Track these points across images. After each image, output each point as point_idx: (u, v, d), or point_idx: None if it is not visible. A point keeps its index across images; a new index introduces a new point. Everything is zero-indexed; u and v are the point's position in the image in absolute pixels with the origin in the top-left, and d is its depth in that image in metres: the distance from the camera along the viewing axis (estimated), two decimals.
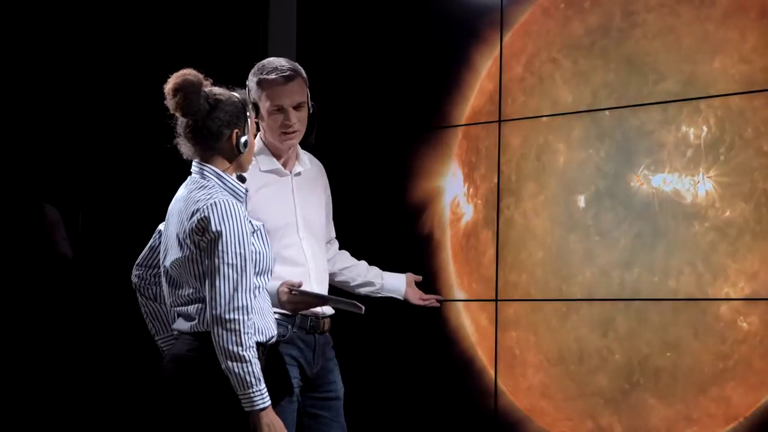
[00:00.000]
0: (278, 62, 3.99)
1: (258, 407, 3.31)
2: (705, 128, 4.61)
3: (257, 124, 3.94)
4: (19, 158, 5.56)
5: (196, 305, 3.38)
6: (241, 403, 3.32)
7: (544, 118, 5.05)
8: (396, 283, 4.43)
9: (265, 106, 3.95)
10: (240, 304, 3.30)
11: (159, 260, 3.60)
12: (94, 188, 5.70)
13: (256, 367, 3.31)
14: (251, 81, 3.98)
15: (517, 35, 5.18)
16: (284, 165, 4.04)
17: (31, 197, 5.59)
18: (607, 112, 4.87)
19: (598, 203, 4.88)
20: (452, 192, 5.35)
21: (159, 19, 5.76)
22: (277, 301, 3.82)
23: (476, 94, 5.29)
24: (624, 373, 4.77)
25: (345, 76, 5.60)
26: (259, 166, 3.96)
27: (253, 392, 3.30)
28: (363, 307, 3.83)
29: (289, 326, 3.92)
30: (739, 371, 4.50)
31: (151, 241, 3.66)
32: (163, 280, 3.50)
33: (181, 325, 3.44)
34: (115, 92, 5.69)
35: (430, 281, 5.41)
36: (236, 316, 3.28)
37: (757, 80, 4.49)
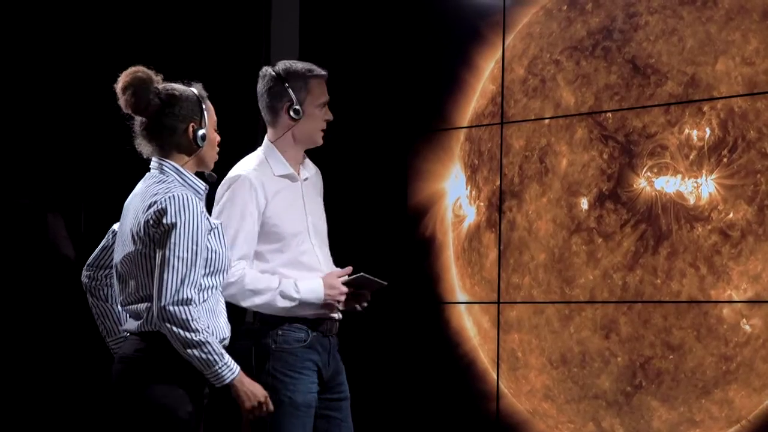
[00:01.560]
0: (305, 62, 4.02)
1: (228, 379, 3.30)
2: (708, 130, 4.61)
3: (292, 118, 3.94)
4: (21, 160, 5.56)
5: (145, 303, 3.33)
6: (212, 382, 3.29)
7: (547, 120, 5.04)
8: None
9: (315, 102, 3.97)
10: (185, 297, 3.25)
11: (110, 261, 3.53)
12: (97, 190, 5.69)
13: (214, 343, 3.26)
14: (295, 80, 3.95)
15: (519, 37, 5.18)
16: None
17: (32, 199, 5.59)
18: (609, 114, 4.86)
19: (600, 205, 4.87)
20: (455, 194, 5.34)
21: (161, 21, 5.76)
22: (321, 298, 3.85)
23: (479, 96, 5.29)
24: (626, 375, 4.77)
25: (347, 78, 5.59)
26: (273, 170, 3.95)
27: (219, 368, 3.27)
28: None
29: (309, 331, 3.92)
30: (741, 374, 4.49)
31: (104, 241, 3.57)
32: (114, 278, 3.45)
33: (130, 325, 3.38)
34: (117, 94, 5.68)
35: (432, 284, 5.41)
36: (180, 308, 3.23)
37: (760, 82, 4.48)
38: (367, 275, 3.95)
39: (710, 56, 4.60)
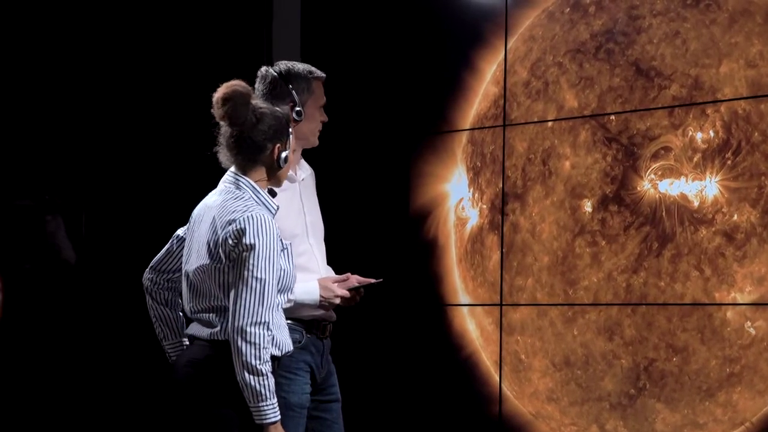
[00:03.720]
0: (304, 64, 4.03)
1: (269, 420, 3.35)
2: (712, 133, 4.61)
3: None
4: (23, 162, 5.55)
5: (218, 314, 3.41)
6: (252, 414, 3.35)
7: (550, 123, 5.05)
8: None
9: (315, 103, 3.99)
10: (262, 319, 3.33)
11: (174, 266, 3.62)
12: (98, 192, 5.69)
13: (271, 380, 3.34)
14: (298, 82, 3.96)
15: (521, 40, 5.18)
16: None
17: (32, 201, 5.58)
18: (612, 116, 4.87)
19: (604, 208, 4.87)
20: (457, 196, 5.34)
21: (164, 22, 5.76)
22: (316, 300, 3.86)
23: (481, 98, 5.29)
24: (630, 378, 4.77)
25: (349, 81, 5.59)
26: None
27: (266, 405, 3.33)
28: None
29: (303, 332, 3.93)
30: (745, 376, 4.49)
31: (168, 245, 3.65)
32: (184, 284, 3.51)
33: (199, 330, 3.45)
34: (119, 95, 5.68)
35: (434, 286, 5.41)
36: (257, 330, 3.32)
37: (763, 84, 4.49)
38: (361, 282, 3.97)
39: (714, 59, 4.61)
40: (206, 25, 5.80)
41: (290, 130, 3.52)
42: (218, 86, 3.49)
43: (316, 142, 4.05)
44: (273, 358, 3.40)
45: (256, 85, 4.00)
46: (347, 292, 3.93)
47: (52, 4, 5.57)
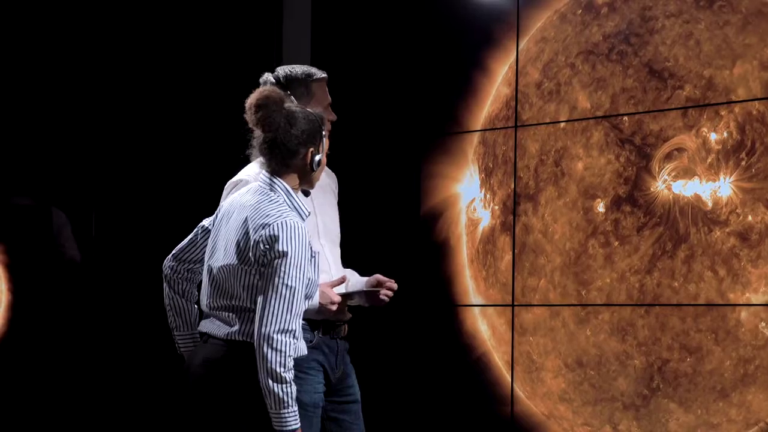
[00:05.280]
0: (303, 66, 4.02)
1: (289, 428, 3.36)
2: (725, 134, 4.62)
3: None
4: (32, 162, 5.55)
5: (237, 314, 3.41)
6: (272, 420, 3.36)
7: (562, 124, 5.05)
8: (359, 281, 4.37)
9: (319, 105, 3.97)
10: (290, 327, 3.34)
11: (197, 256, 3.61)
12: (108, 192, 5.68)
13: (293, 388, 3.35)
14: (296, 86, 3.96)
15: (533, 41, 5.19)
16: None
17: (37, 200, 5.58)
18: (625, 117, 4.88)
19: (617, 208, 4.88)
20: (469, 197, 5.35)
21: (174, 23, 5.76)
22: (316, 305, 3.86)
23: (493, 99, 5.30)
24: (643, 378, 4.78)
25: (361, 82, 5.60)
26: None
27: (287, 413, 3.35)
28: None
29: (315, 332, 3.93)
30: (759, 376, 4.50)
31: (192, 235, 3.63)
32: (205, 278, 3.51)
33: (214, 329, 3.44)
34: (130, 95, 5.68)
35: (446, 286, 5.41)
36: (285, 338, 3.33)
37: None
38: (359, 291, 3.98)
39: (728, 60, 4.61)
40: (217, 27, 5.80)
41: (324, 132, 3.52)
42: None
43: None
44: None
45: None
46: (340, 298, 3.92)
47: (63, 6, 5.57)
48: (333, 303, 3.92)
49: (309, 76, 3.98)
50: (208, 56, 5.71)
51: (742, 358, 4.54)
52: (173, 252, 3.64)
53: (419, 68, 5.52)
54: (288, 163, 3.48)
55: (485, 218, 5.29)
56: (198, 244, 3.61)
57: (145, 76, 5.70)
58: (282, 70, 3.99)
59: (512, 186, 5.19)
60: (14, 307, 5.45)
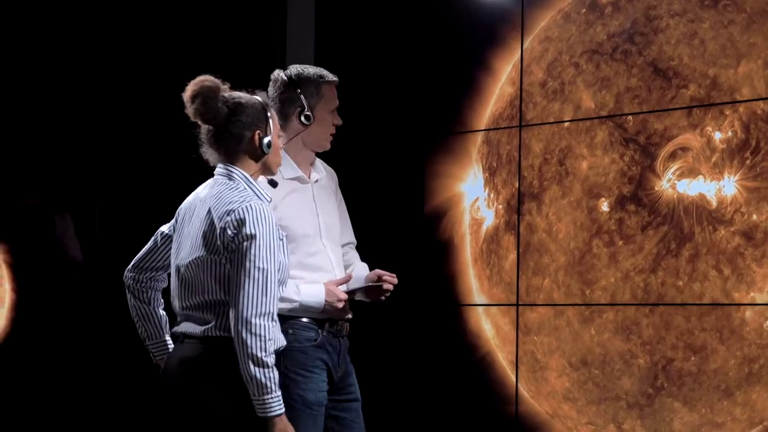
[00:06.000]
0: (316, 68, 4.04)
1: (274, 413, 3.28)
2: (730, 133, 4.62)
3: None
4: (35, 162, 5.55)
5: (212, 309, 3.35)
6: (255, 407, 3.29)
7: (567, 123, 5.05)
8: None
9: (326, 107, 3.99)
10: (267, 310, 3.27)
11: (158, 263, 3.56)
12: (111, 192, 5.69)
13: (275, 373, 3.28)
14: (307, 86, 3.97)
15: (537, 40, 5.19)
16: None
17: (41, 200, 5.58)
18: (630, 116, 4.88)
19: (621, 207, 4.88)
20: (473, 196, 5.35)
21: (178, 23, 5.76)
22: (322, 303, 3.86)
23: (497, 98, 5.30)
24: (648, 377, 4.78)
25: (364, 81, 5.60)
26: (282, 174, 3.96)
27: (271, 398, 3.27)
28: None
29: (319, 330, 3.94)
30: (764, 375, 4.50)
31: (151, 243, 3.58)
32: (174, 280, 3.45)
33: (190, 328, 3.38)
34: (133, 95, 5.68)
35: (449, 285, 5.41)
36: (263, 322, 3.25)
37: None
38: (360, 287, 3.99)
39: (732, 59, 4.62)
40: (221, 27, 5.81)
41: (269, 114, 3.44)
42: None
43: (327, 146, 4.05)
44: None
45: (269, 88, 4.02)
46: (346, 295, 3.94)
47: (67, 8, 5.57)
48: (340, 300, 3.93)
49: (321, 77, 4.00)
50: (212, 56, 5.71)
51: (747, 357, 4.54)
52: (133, 262, 3.59)
53: (423, 68, 5.52)
54: (237, 149, 3.41)
55: (489, 217, 5.29)
56: (159, 251, 3.56)
57: (148, 76, 5.70)
58: (294, 69, 4.01)
59: (516, 185, 5.19)
60: (18, 307, 5.45)
